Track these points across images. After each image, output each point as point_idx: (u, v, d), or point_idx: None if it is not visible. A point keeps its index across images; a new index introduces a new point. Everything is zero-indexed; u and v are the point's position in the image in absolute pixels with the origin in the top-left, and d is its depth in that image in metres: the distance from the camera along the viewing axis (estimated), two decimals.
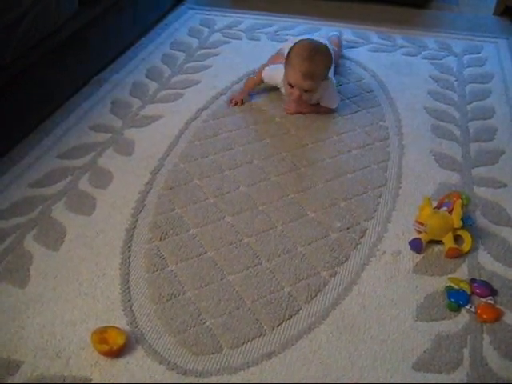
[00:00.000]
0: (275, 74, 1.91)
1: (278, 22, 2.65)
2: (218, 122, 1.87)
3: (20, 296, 1.23)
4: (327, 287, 1.27)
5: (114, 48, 2.25)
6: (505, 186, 1.60)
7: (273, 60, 2.07)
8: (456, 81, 2.16)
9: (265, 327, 1.18)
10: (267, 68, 1.95)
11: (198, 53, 2.34)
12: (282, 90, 1.94)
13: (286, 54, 1.94)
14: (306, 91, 1.78)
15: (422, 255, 1.36)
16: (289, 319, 1.20)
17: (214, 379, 1.08)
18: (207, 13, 2.75)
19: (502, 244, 1.40)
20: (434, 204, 1.44)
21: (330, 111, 1.91)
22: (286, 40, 2.20)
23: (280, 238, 1.40)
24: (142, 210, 1.49)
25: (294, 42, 1.91)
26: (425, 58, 2.33)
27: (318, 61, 1.73)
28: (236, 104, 1.93)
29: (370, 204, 1.52)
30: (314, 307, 1.23)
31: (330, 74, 1.89)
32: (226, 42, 2.43)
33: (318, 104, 1.90)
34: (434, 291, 1.26)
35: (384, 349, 1.14)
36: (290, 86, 1.78)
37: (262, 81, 1.96)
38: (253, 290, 1.25)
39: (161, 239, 1.39)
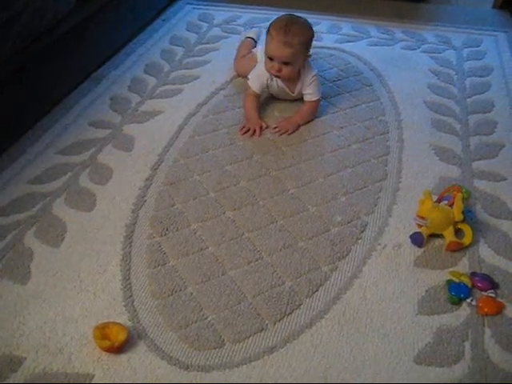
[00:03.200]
0: (259, 73, 1.83)
1: (277, 16, 2.62)
2: (218, 117, 1.86)
3: (21, 293, 1.23)
4: (328, 281, 1.27)
5: (112, 44, 2.24)
6: (505, 179, 1.60)
7: (242, 63, 2.07)
8: (456, 74, 2.15)
9: (266, 322, 1.18)
10: (250, 79, 1.86)
11: (197, 48, 2.33)
12: (272, 89, 1.88)
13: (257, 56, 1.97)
14: (285, 64, 1.73)
15: (422, 249, 1.36)
16: (290, 314, 1.20)
17: (215, 374, 1.08)
18: (205, 7, 2.74)
19: (502, 237, 1.40)
20: (435, 198, 1.44)
21: (315, 108, 1.85)
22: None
23: (281, 232, 1.40)
24: (143, 205, 1.48)
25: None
26: (424, 52, 2.32)
27: (295, 29, 1.70)
28: (256, 133, 1.77)
29: (370, 198, 1.52)
30: (316, 302, 1.23)
31: (311, 63, 1.86)
32: (224, 37, 2.43)
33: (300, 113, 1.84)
34: (435, 285, 1.26)
35: (385, 342, 1.14)
36: (270, 59, 1.75)
37: (256, 94, 1.85)
38: (254, 285, 1.25)
39: (161, 235, 1.39)
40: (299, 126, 1.81)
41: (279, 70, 1.75)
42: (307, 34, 1.76)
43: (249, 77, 1.88)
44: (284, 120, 1.83)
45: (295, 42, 1.70)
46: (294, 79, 1.83)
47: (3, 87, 1.60)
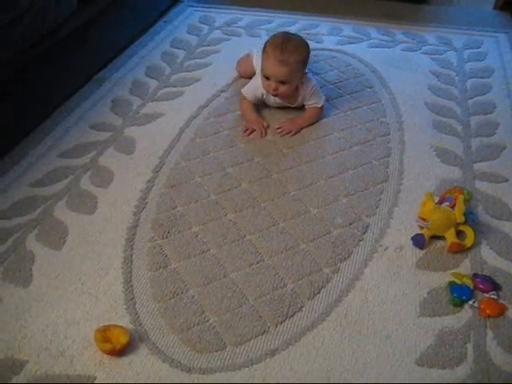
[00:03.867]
0: (254, 85, 1.83)
1: (278, 18, 2.64)
2: (219, 120, 1.87)
3: (23, 295, 1.23)
4: (330, 284, 1.27)
5: (113, 46, 2.25)
6: (506, 180, 1.60)
7: (243, 67, 2.07)
8: (456, 76, 2.15)
9: (268, 324, 1.18)
10: (244, 89, 1.86)
11: (198, 50, 2.34)
12: (269, 102, 1.87)
13: (258, 61, 1.92)
14: (282, 82, 1.72)
15: (424, 251, 1.36)
16: (292, 316, 1.20)
17: (217, 376, 1.08)
18: (206, 10, 2.74)
19: (504, 239, 1.39)
20: (436, 199, 1.44)
21: (319, 113, 1.85)
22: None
23: (282, 234, 1.40)
24: (144, 208, 1.49)
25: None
26: (425, 53, 2.32)
27: (291, 47, 1.69)
28: (261, 134, 1.77)
29: (371, 200, 1.52)
30: (317, 304, 1.23)
31: (310, 74, 1.85)
32: (225, 39, 2.43)
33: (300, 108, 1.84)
34: (436, 287, 1.26)
35: (387, 344, 1.14)
36: (267, 78, 1.73)
37: (251, 103, 1.86)
38: (255, 288, 1.25)
39: (163, 237, 1.39)
40: (302, 128, 1.81)
41: (276, 89, 1.74)
42: (304, 52, 1.74)
43: (244, 88, 1.87)
44: (287, 121, 1.83)
45: (291, 60, 1.68)
46: (292, 95, 1.82)
47: (5, 89, 1.60)
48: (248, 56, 2.05)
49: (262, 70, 1.75)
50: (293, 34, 1.79)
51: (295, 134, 1.79)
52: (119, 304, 1.22)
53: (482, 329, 1.17)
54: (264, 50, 1.73)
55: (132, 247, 1.36)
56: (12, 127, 1.69)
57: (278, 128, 1.80)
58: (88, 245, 1.37)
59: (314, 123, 1.84)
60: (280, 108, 1.90)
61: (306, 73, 1.81)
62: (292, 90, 1.77)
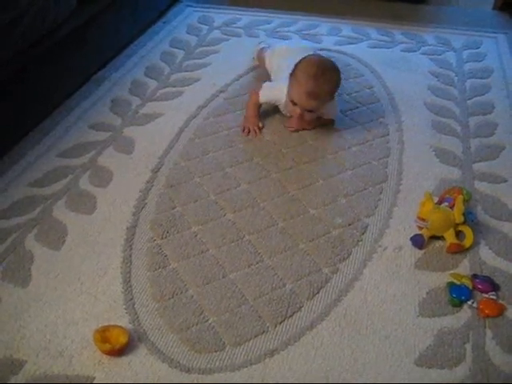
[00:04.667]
0: (274, 94, 1.78)
1: (277, 18, 2.64)
2: (219, 120, 1.87)
3: (22, 295, 1.23)
4: (329, 284, 1.27)
5: (112, 46, 2.25)
6: (505, 181, 1.60)
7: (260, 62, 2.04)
8: (456, 76, 2.16)
9: (267, 324, 1.18)
10: (265, 87, 1.81)
11: (197, 50, 2.34)
12: (282, 109, 1.82)
13: (271, 63, 1.93)
14: (309, 111, 1.68)
15: (423, 251, 1.36)
16: (291, 316, 1.20)
17: (216, 376, 1.08)
18: (205, 10, 2.74)
19: (503, 239, 1.39)
20: (435, 200, 1.44)
21: (330, 122, 1.83)
22: (269, 46, 2.11)
23: (281, 235, 1.40)
24: (143, 208, 1.49)
25: (283, 51, 1.89)
26: (424, 54, 2.33)
27: (325, 80, 1.61)
28: (255, 133, 1.77)
29: (371, 200, 1.52)
30: (316, 304, 1.23)
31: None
32: (224, 40, 2.43)
33: (319, 117, 1.80)
34: (435, 287, 1.26)
35: (386, 345, 1.14)
36: (293, 103, 1.68)
37: (259, 103, 1.82)
38: (255, 288, 1.25)
39: (162, 237, 1.39)
40: (305, 129, 1.80)
41: (301, 116, 1.69)
42: (336, 83, 1.67)
43: (262, 88, 1.81)
44: (297, 118, 1.76)
45: (323, 93, 1.63)
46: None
47: (4, 89, 1.60)
48: (261, 51, 2.03)
49: (290, 95, 1.68)
50: (327, 61, 1.70)
51: (296, 131, 1.79)
52: (118, 304, 1.22)
53: (481, 329, 1.17)
54: (294, 75, 1.65)
55: (131, 247, 1.36)
56: (11, 127, 1.69)
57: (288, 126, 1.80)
58: (87, 245, 1.37)
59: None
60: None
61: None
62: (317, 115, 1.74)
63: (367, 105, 1.96)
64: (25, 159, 1.66)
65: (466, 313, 1.21)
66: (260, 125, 1.81)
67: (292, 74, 1.67)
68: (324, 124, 1.83)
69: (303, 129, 1.80)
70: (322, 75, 1.62)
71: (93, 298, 1.23)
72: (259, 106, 1.85)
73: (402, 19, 2.66)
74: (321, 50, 2.28)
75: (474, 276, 1.28)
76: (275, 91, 1.79)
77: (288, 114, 1.81)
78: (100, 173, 1.61)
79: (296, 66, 1.67)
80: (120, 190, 1.55)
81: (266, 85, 1.84)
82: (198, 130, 1.82)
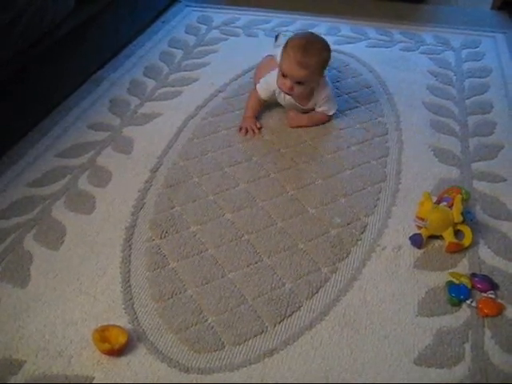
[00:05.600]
0: (269, 82, 1.81)
1: (276, 18, 2.64)
2: (217, 120, 1.86)
3: (20, 296, 1.23)
4: (328, 283, 1.27)
5: (111, 46, 2.24)
6: (504, 180, 1.60)
7: (263, 67, 2.00)
8: (454, 75, 2.16)
9: (266, 324, 1.18)
10: (261, 82, 1.84)
11: (196, 50, 2.34)
12: (280, 100, 1.86)
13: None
14: (298, 83, 1.71)
15: (422, 250, 1.36)
16: (290, 316, 1.20)
17: (216, 376, 1.08)
18: (204, 10, 2.74)
19: (502, 238, 1.40)
20: (434, 199, 1.44)
21: (326, 120, 1.84)
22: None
23: (280, 234, 1.40)
24: (142, 208, 1.48)
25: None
26: (423, 53, 2.33)
27: (314, 50, 1.67)
28: (253, 132, 1.78)
29: (369, 200, 1.52)
30: (316, 303, 1.23)
31: (327, 78, 1.84)
32: (223, 39, 2.43)
33: (312, 116, 1.84)
34: (434, 286, 1.26)
35: (385, 344, 1.14)
36: (283, 75, 1.72)
37: (260, 100, 1.85)
38: (254, 287, 1.25)
39: (161, 237, 1.39)
40: (302, 126, 1.81)
41: (291, 89, 1.72)
42: (325, 56, 1.72)
43: (259, 82, 1.85)
44: (292, 114, 1.82)
45: (312, 63, 1.66)
46: (305, 96, 1.80)
47: (3, 89, 1.60)
48: (272, 58, 1.98)
49: (280, 68, 1.73)
50: (316, 36, 1.77)
51: (293, 127, 1.81)
52: (117, 304, 1.22)
53: (480, 328, 1.17)
54: (285, 49, 1.71)
55: (130, 247, 1.36)
56: (10, 127, 1.68)
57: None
58: (86, 245, 1.37)
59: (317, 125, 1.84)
60: (281, 109, 1.89)
61: (324, 77, 1.79)
62: (307, 91, 1.76)
63: (366, 104, 1.96)
64: (23, 159, 1.66)
65: (465, 312, 1.21)
66: (258, 125, 1.81)
67: (283, 49, 1.72)
68: (320, 121, 1.84)
69: (300, 126, 1.81)
70: (312, 46, 1.69)
71: (92, 298, 1.23)
72: (261, 104, 1.86)
73: (401, 19, 2.66)
74: None
75: (473, 275, 1.28)
76: (269, 79, 1.82)
77: (281, 90, 1.79)
78: (99, 173, 1.61)
79: (287, 41, 1.74)
80: (119, 189, 1.55)
81: (261, 80, 1.86)
82: (197, 129, 1.81)
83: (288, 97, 1.81)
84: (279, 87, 1.77)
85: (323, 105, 1.82)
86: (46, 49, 1.78)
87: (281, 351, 1.12)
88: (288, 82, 1.71)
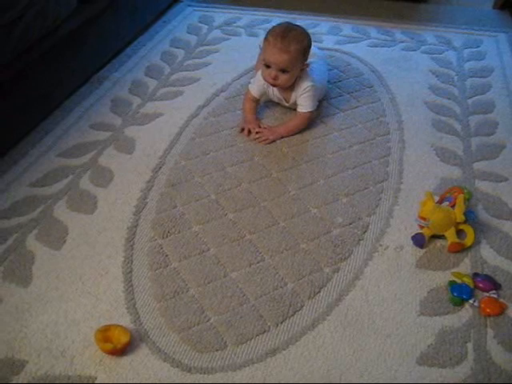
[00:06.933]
0: (258, 78, 1.82)
1: (277, 17, 2.63)
2: (219, 119, 1.87)
3: (23, 295, 1.23)
4: (330, 283, 1.27)
5: (112, 46, 2.25)
6: (506, 179, 1.60)
7: (259, 64, 1.99)
8: (456, 75, 2.16)
9: (268, 324, 1.18)
10: (250, 84, 1.87)
11: (198, 50, 2.34)
12: (270, 95, 1.87)
13: None
14: (282, 71, 1.70)
15: (424, 250, 1.36)
16: (292, 315, 1.20)
17: (218, 376, 1.08)
18: (205, 10, 2.74)
19: (504, 238, 1.39)
20: (436, 199, 1.44)
21: (304, 121, 1.80)
22: None
23: (282, 234, 1.40)
24: (144, 207, 1.49)
25: None
26: (424, 53, 2.33)
27: (292, 35, 1.68)
28: (256, 133, 1.78)
29: (371, 199, 1.52)
30: (318, 303, 1.23)
31: (312, 74, 1.81)
32: (225, 39, 2.43)
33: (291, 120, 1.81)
34: (437, 286, 1.26)
35: (388, 344, 1.14)
36: (267, 66, 1.72)
37: (255, 98, 1.86)
38: (256, 287, 1.25)
39: (163, 237, 1.39)
40: (282, 137, 1.78)
41: (275, 78, 1.72)
42: (304, 41, 1.73)
43: (250, 81, 1.88)
44: (268, 128, 1.80)
45: (292, 48, 1.67)
46: (289, 89, 1.80)
47: (5, 90, 1.60)
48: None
49: (263, 59, 1.74)
50: (295, 25, 1.78)
51: (272, 142, 1.76)
52: (119, 304, 1.22)
53: (482, 328, 1.17)
54: (265, 39, 1.73)
55: (132, 247, 1.36)
56: (12, 127, 1.69)
57: (256, 133, 1.78)
58: (88, 244, 1.37)
59: (296, 134, 1.79)
60: (280, 109, 1.89)
61: (307, 70, 1.78)
62: (292, 80, 1.76)
63: (367, 104, 1.96)
64: (25, 159, 1.66)
65: (467, 312, 1.21)
66: (260, 125, 1.81)
67: (264, 39, 1.74)
68: (297, 127, 1.79)
69: (267, 139, 1.76)
70: (290, 32, 1.70)
71: (94, 298, 1.23)
72: (256, 103, 1.86)
73: (403, 18, 2.66)
74: (321, 49, 2.29)
75: (475, 275, 1.28)
76: (258, 76, 1.82)
77: (267, 82, 1.77)
78: (101, 172, 1.61)
79: (267, 32, 1.75)
80: (121, 189, 1.55)
81: (251, 80, 1.88)
82: (199, 129, 1.82)
83: (275, 91, 1.82)
84: (264, 79, 1.77)
85: (302, 98, 1.78)
86: (48, 48, 1.78)
87: (283, 351, 1.12)
88: (272, 72, 1.72)
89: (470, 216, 1.39)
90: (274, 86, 1.78)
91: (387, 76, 2.14)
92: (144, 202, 1.50)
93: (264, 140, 1.76)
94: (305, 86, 1.78)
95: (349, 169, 1.63)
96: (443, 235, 1.37)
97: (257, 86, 1.84)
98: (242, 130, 1.80)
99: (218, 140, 1.76)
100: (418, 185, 1.57)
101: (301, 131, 1.80)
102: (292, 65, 1.71)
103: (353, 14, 2.69)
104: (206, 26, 2.56)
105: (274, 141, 1.76)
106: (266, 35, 1.74)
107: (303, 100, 1.80)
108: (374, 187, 1.57)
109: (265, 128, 1.80)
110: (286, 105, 1.87)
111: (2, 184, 1.56)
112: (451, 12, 2.78)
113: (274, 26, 1.77)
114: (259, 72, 1.82)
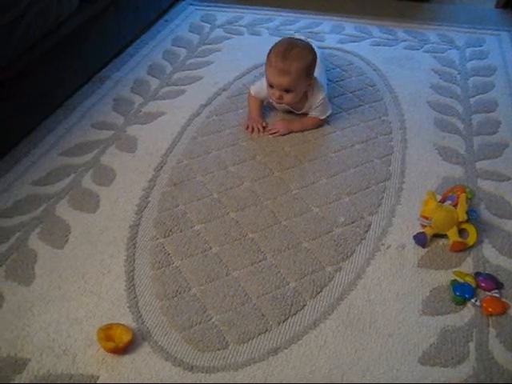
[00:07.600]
0: (261, 87, 1.80)
1: (279, 16, 2.64)
2: (221, 118, 1.87)
3: (25, 294, 1.24)
4: (332, 282, 1.27)
5: (115, 45, 2.25)
6: (509, 179, 1.60)
7: None
8: (458, 74, 2.15)
9: (270, 323, 1.18)
10: (253, 85, 1.86)
11: (200, 49, 2.34)
12: (275, 104, 1.85)
13: None
14: (286, 91, 1.68)
15: (426, 249, 1.36)
16: (294, 315, 1.20)
17: (220, 375, 1.08)
18: (208, 8, 2.74)
19: (506, 237, 1.39)
20: (438, 198, 1.43)
21: (318, 123, 1.81)
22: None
23: (284, 233, 1.40)
24: (146, 206, 1.49)
25: None
26: (427, 52, 2.32)
27: (293, 55, 1.63)
28: (258, 131, 1.78)
29: (374, 198, 1.52)
30: (320, 302, 1.23)
31: (322, 79, 1.82)
32: (227, 38, 2.43)
33: (306, 114, 1.82)
34: (439, 285, 1.26)
35: (390, 343, 1.14)
36: (271, 86, 1.70)
37: (258, 99, 1.84)
38: (258, 286, 1.25)
39: (165, 236, 1.39)
40: (291, 132, 1.78)
41: (280, 98, 1.71)
42: (307, 59, 1.67)
43: (252, 87, 1.85)
44: (280, 121, 1.81)
45: (293, 69, 1.63)
46: (299, 101, 1.77)
47: (7, 89, 1.60)
48: None
49: (267, 78, 1.71)
50: (298, 40, 1.74)
51: (282, 135, 1.77)
52: (122, 302, 1.22)
53: (484, 327, 1.17)
54: (267, 57, 1.69)
55: (134, 246, 1.36)
56: (14, 126, 1.69)
57: (270, 129, 1.79)
58: (90, 243, 1.37)
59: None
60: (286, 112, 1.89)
61: (316, 79, 1.76)
62: (298, 97, 1.73)
63: (370, 103, 1.96)
64: (28, 158, 1.66)
65: (469, 311, 1.21)
66: (264, 124, 1.81)
67: (267, 57, 1.71)
68: (313, 126, 1.81)
69: (290, 132, 1.78)
70: (290, 51, 1.65)
71: (96, 297, 1.23)
72: (259, 102, 1.85)
73: (405, 17, 2.65)
74: (323, 48, 2.29)
75: (478, 274, 1.28)
76: (261, 84, 1.81)
77: (272, 100, 1.78)
78: (103, 171, 1.61)
79: (270, 49, 1.72)
80: (123, 188, 1.55)
81: (252, 86, 1.86)
82: (201, 128, 1.82)
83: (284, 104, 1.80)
84: (269, 97, 1.76)
85: (316, 109, 1.78)
86: (50, 47, 1.78)
87: (285, 350, 1.12)
88: (276, 92, 1.70)
89: (472, 215, 1.39)
90: (280, 104, 1.78)
91: (389, 75, 2.14)
92: (146, 200, 1.51)
93: (274, 133, 1.77)
94: (319, 98, 1.76)
95: (351, 168, 1.63)
96: (445, 234, 1.37)
97: (260, 93, 1.82)
98: (247, 127, 1.80)
99: (220, 139, 1.76)
100: (420, 184, 1.57)
101: (302, 131, 1.79)
102: (295, 84, 1.68)
103: (355, 12, 2.68)
104: (209, 25, 2.56)
105: (283, 135, 1.77)
106: (269, 52, 1.70)
107: (317, 111, 1.79)
108: (377, 186, 1.56)
109: (278, 121, 1.81)
110: (298, 113, 1.84)
111: (5, 183, 1.56)
112: (454, 11, 2.77)
113: (276, 43, 1.73)
114: (262, 82, 1.79)
